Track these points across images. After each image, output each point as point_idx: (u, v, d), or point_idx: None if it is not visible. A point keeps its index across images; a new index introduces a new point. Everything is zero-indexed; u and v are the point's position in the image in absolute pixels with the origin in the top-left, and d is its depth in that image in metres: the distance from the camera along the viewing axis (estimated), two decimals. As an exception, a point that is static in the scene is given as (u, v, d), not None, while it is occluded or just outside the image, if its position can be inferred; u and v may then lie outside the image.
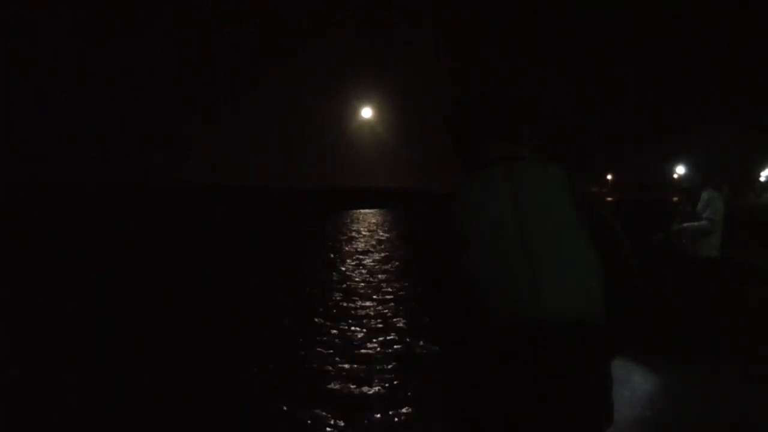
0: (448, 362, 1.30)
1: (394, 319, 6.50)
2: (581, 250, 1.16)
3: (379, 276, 10.32)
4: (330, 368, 4.75)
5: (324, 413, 3.76)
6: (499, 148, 1.33)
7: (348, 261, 13.23)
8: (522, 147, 1.36)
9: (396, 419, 3.61)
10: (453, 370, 1.26)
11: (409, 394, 4.04)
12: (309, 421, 3.64)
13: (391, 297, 8.00)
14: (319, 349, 5.34)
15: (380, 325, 6.26)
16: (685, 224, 4.13)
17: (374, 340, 5.63)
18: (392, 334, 5.81)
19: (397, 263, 12.37)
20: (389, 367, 4.73)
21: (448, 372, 1.31)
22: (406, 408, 3.78)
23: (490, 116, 1.38)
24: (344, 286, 9.26)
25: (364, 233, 24.47)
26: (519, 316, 1.10)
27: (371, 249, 16.29)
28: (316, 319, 6.65)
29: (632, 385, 3.49)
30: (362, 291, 8.73)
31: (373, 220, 37.07)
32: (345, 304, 7.58)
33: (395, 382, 4.33)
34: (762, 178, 62.28)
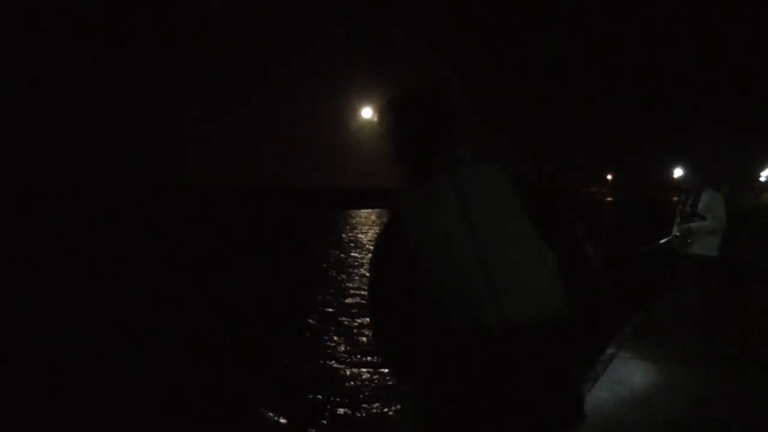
0: (397, 371, 1.29)
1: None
2: (534, 250, 1.15)
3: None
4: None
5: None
6: (441, 154, 1.27)
7: (348, 253, 13.23)
8: (463, 148, 1.31)
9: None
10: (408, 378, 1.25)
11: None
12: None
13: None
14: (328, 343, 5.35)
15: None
16: (692, 224, 4.09)
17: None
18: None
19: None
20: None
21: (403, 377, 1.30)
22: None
23: (428, 122, 1.31)
24: (347, 276, 9.36)
25: (365, 230, 24.53)
26: (477, 322, 1.11)
27: (370, 244, 16.31)
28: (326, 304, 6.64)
29: (632, 385, 3.50)
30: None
31: (373, 219, 37.08)
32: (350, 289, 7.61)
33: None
34: (762, 178, 62.14)
